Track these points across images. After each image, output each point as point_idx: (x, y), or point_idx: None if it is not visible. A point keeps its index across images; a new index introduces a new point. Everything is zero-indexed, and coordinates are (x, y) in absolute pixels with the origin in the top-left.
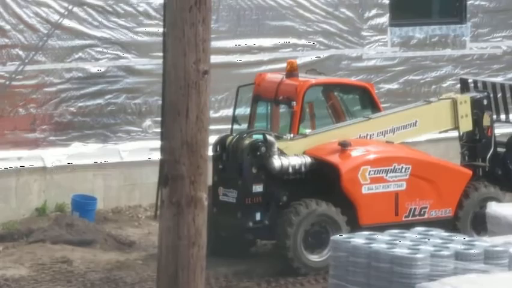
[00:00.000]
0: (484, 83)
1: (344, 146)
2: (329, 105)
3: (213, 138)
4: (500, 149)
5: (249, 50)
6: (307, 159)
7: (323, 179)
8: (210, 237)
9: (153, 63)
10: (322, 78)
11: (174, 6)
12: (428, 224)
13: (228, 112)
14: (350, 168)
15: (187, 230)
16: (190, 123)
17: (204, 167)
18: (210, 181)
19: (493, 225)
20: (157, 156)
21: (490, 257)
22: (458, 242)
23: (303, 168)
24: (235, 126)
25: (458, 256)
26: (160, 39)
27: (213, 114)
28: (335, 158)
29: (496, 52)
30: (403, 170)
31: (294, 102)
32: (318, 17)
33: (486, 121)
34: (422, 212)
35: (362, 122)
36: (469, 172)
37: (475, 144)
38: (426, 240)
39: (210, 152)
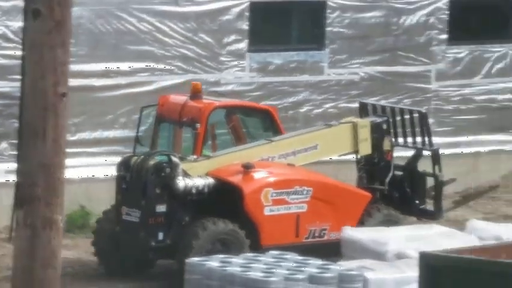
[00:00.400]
0: (383, 108)
1: (247, 168)
2: (231, 127)
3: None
4: (398, 172)
5: (106, 74)
6: (211, 181)
7: (226, 200)
8: (111, 256)
9: (11, 85)
10: (225, 101)
11: (33, 29)
12: (328, 245)
13: (85, 135)
14: (252, 190)
15: (42, 252)
16: (47, 145)
17: (60, 190)
18: (113, 201)
19: (348, 249)
20: (12, 178)
21: (344, 281)
22: (313, 265)
23: (206, 189)
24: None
25: (312, 280)
26: (19, 62)
27: (69, 137)
28: (238, 180)
29: (353, 78)
30: (304, 192)
31: (198, 124)
32: (176, 41)
33: (386, 145)
34: (321, 234)
35: (264, 145)
36: (368, 195)
37: (373, 167)
38: (281, 264)
39: (114, 172)
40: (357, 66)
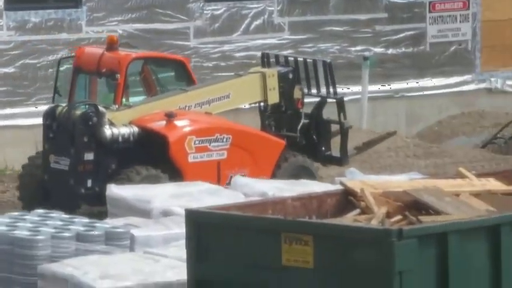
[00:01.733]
0: (286, 58)
1: (170, 116)
2: (142, 78)
3: None
4: (304, 121)
5: None
6: (135, 129)
7: (150, 148)
8: (37, 203)
9: None
10: (142, 52)
11: None
12: None
13: None
14: (177, 138)
15: None
16: None
17: None
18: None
19: (113, 206)
20: None
21: (111, 239)
22: (79, 223)
23: (131, 138)
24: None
25: (79, 238)
26: None
27: None
28: (162, 128)
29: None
30: (224, 139)
31: (118, 75)
32: None
33: (297, 94)
34: None
35: (181, 94)
36: (283, 142)
37: (280, 115)
38: (47, 222)
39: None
40: (115, 23)
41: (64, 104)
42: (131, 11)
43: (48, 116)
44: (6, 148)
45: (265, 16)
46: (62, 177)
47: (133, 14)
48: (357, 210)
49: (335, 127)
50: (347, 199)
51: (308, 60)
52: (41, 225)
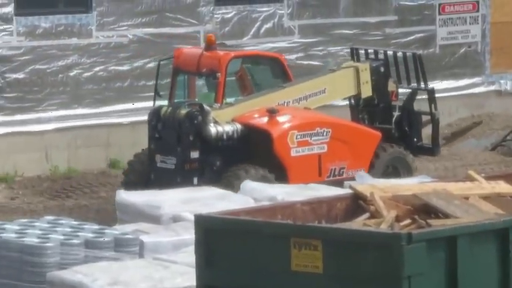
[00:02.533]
0: (376, 52)
1: (272, 112)
2: (238, 76)
3: None
4: (397, 113)
5: None
6: (239, 126)
7: (253, 144)
8: None
9: None
10: (240, 51)
11: None
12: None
13: None
14: (280, 133)
15: None
16: None
17: None
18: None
19: (122, 213)
20: None
21: (120, 245)
22: (88, 230)
23: (235, 135)
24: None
25: (88, 244)
26: None
27: None
28: (265, 125)
29: (122, 41)
30: (324, 133)
31: (219, 74)
32: None
33: (391, 87)
34: (341, 172)
35: (279, 91)
36: (379, 134)
37: (373, 108)
38: (56, 229)
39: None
40: (126, 28)
41: (165, 104)
42: (141, 15)
43: (154, 116)
44: (15, 154)
45: (276, 19)
46: (169, 176)
47: (143, 18)
48: (367, 214)
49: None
50: (357, 203)
51: (398, 53)
52: (50, 232)
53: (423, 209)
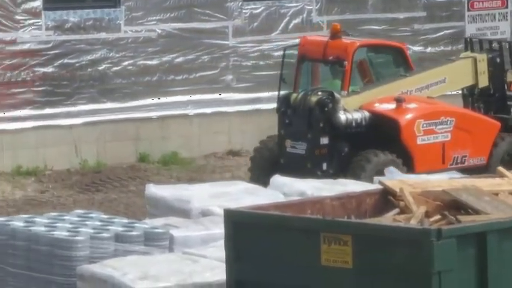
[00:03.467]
0: (490, 42)
1: (399, 101)
2: (359, 64)
3: None
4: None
5: None
6: (367, 114)
7: (380, 132)
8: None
9: None
10: (365, 40)
11: None
12: (466, 171)
13: None
14: (407, 121)
15: None
16: None
17: None
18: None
19: (152, 207)
20: None
21: (150, 239)
22: (118, 224)
23: (363, 122)
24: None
25: (118, 238)
26: None
27: None
28: (393, 113)
29: (150, 35)
30: (448, 122)
31: (346, 62)
32: None
33: (510, 77)
34: (462, 160)
35: (403, 80)
36: (498, 123)
37: (488, 98)
38: (86, 222)
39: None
40: (154, 23)
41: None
42: (170, 10)
43: (283, 103)
44: (45, 148)
45: (304, 15)
46: (299, 161)
47: (171, 13)
48: (396, 210)
49: None
50: (386, 198)
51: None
52: (80, 225)
53: (453, 205)
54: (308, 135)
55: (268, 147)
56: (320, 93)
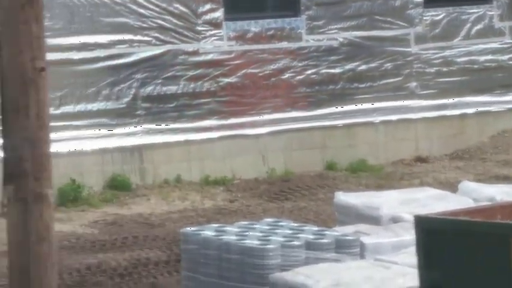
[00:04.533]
0: None
1: None
2: None
3: (55, 135)
4: None
5: (84, 47)
6: None
7: None
8: None
9: None
10: None
11: (6, 4)
12: None
13: (69, 109)
14: None
15: (35, 226)
16: (30, 120)
17: (47, 164)
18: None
19: (341, 214)
20: (1, 154)
21: (341, 246)
22: (308, 232)
23: None
24: None
25: (309, 246)
26: None
27: (53, 110)
28: None
29: (332, 44)
30: None
31: None
32: (152, 12)
33: None
34: None
35: None
36: None
37: None
38: (276, 231)
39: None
40: (335, 31)
41: None
42: (351, 18)
43: None
44: (233, 158)
45: (486, 21)
46: None
47: (352, 21)
48: None
49: None
50: None
51: None
52: (270, 234)
53: None
54: None
55: None
56: None
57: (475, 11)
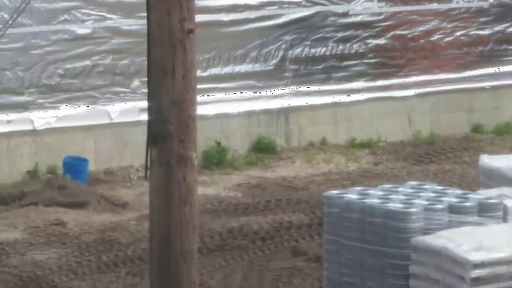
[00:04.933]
0: None
1: None
2: None
3: (201, 98)
4: None
5: (234, 9)
6: None
7: None
8: None
9: (139, 23)
10: None
11: None
12: None
13: (216, 71)
14: None
15: (178, 189)
16: (177, 82)
17: (192, 126)
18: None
19: (486, 177)
20: (146, 116)
21: (484, 210)
22: (451, 195)
23: None
24: None
25: (452, 209)
26: None
27: (201, 73)
28: None
29: (483, 5)
30: None
31: None
32: None
33: None
34: None
35: None
36: None
37: None
38: (419, 194)
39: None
40: None
41: None
42: None
43: None
44: (379, 120)
45: None
46: None
47: None
48: None
49: None
50: None
51: None
52: (413, 197)
53: None
54: None
55: None
56: None
57: None
